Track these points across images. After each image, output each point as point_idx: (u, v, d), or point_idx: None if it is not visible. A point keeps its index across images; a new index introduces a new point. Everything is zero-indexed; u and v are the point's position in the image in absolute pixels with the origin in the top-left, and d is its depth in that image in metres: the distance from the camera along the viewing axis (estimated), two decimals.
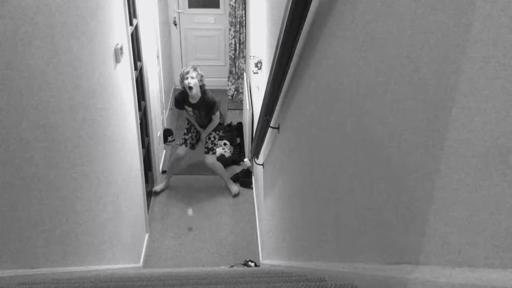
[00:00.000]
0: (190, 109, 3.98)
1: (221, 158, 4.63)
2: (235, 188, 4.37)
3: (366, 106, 0.88)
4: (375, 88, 0.82)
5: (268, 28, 2.79)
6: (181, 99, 3.97)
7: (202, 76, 3.83)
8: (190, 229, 3.50)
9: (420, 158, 0.65)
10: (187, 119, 4.18)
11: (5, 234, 1.23)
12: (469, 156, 0.53)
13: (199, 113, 4.01)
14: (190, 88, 3.74)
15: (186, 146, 4.19)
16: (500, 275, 0.48)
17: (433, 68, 0.61)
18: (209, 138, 4.15)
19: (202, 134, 4.16)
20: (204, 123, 4.11)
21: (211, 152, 4.15)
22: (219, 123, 4.18)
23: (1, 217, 1.20)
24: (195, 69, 3.79)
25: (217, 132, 4.19)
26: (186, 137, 4.19)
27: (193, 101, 3.90)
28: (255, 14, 4.09)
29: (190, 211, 3.50)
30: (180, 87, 3.96)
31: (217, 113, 4.05)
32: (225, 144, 4.91)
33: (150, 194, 4.19)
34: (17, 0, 1.24)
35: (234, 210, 4.18)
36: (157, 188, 4.31)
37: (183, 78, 3.77)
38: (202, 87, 3.84)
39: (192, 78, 3.73)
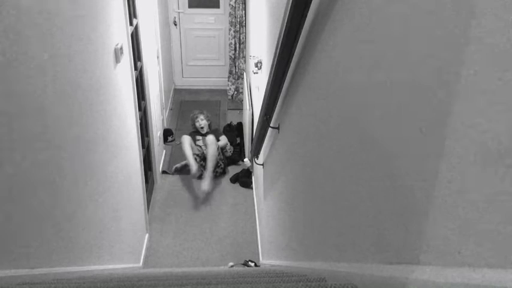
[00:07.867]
0: (200, 138, 4.65)
1: None
2: (206, 185, 4.26)
3: (366, 105, 0.88)
4: (375, 88, 0.82)
5: (268, 28, 2.79)
6: (192, 131, 4.77)
7: (208, 115, 4.79)
8: None
9: (420, 157, 0.65)
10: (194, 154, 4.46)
11: (5, 234, 1.23)
12: (469, 156, 0.53)
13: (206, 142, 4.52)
14: (202, 128, 4.70)
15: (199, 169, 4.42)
16: (500, 275, 0.48)
17: (433, 67, 0.61)
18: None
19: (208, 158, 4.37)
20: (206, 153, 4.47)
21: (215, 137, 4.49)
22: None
23: (1, 217, 1.20)
24: (201, 113, 4.76)
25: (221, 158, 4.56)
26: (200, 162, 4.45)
27: (203, 132, 4.72)
28: (255, 14, 4.09)
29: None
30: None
31: (224, 136, 4.70)
32: None
33: (150, 193, 4.19)
34: (17, 0, 1.24)
35: (234, 210, 4.18)
36: (178, 165, 4.66)
37: (194, 121, 4.73)
38: (210, 125, 4.79)
39: (202, 120, 4.70)
